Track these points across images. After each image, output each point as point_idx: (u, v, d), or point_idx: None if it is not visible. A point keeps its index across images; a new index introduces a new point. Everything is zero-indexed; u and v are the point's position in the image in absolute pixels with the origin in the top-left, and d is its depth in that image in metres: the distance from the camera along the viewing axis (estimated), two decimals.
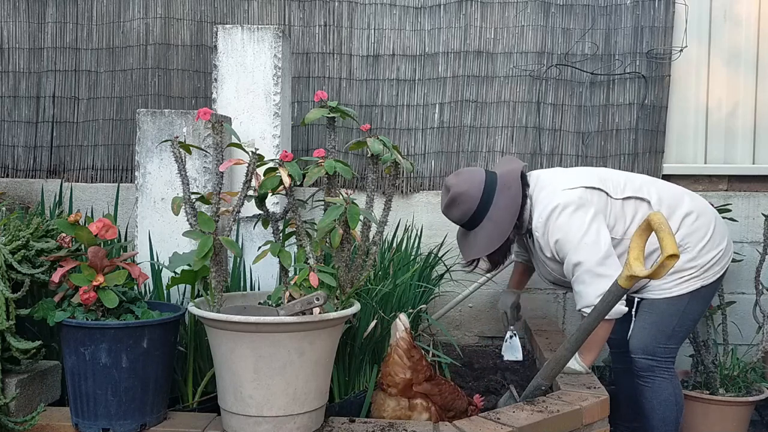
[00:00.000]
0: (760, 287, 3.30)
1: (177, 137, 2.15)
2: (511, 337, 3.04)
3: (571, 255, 2.55)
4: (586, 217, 2.55)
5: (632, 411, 2.84)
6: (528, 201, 2.68)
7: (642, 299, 2.64)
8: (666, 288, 2.59)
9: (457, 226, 2.81)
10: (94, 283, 2.07)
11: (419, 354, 2.30)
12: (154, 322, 2.08)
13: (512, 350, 3.05)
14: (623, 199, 2.62)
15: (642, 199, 2.62)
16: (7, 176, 3.75)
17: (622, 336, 2.69)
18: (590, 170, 2.79)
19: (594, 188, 2.62)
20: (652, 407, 2.65)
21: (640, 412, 2.70)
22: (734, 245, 3.47)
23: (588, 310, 2.49)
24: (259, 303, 2.25)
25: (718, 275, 2.66)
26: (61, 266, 2.13)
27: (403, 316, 2.31)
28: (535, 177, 2.74)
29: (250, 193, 2.09)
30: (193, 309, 2.04)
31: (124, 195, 3.44)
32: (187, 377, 2.35)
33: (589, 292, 2.50)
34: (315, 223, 2.12)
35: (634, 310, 2.65)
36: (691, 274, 2.59)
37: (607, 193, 2.63)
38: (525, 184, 2.69)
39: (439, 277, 3.18)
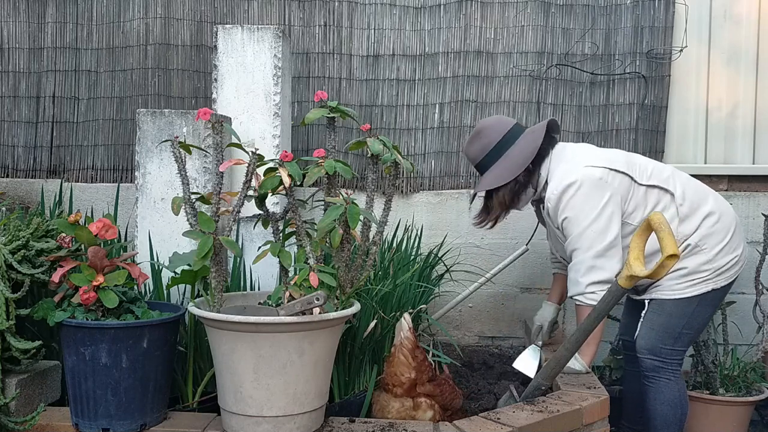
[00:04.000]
0: (760, 287, 3.30)
1: (177, 137, 2.15)
2: (535, 349, 2.83)
3: (575, 239, 2.55)
4: (600, 202, 2.53)
5: (639, 413, 2.84)
6: (547, 161, 2.65)
7: (651, 300, 2.63)
8: (678, 289, 2.58)
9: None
10: (94, 283, 2.07)
11: (423, 354, 2.32)
12: (154, 322, 2.08)
13: (528, 363, 2.79)
14: (648, 186, 2.60)
15: (666, 190, 2.60)
16: (7, 176, 3.75)
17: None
18: (620, 153, 2.72)
19: (618, 171, 2.58)
20: (655, 408, 2.65)
21: (644, 412, 2.70)
22: None
23: (580, 298, 2.54)
24: (259, 303, 2.25)
25: (730, 280, 2.64)
26: (61, 266, 2.13)
27: (407, 316, 2.33)
28: (562, 147, 2.70)
29: (250, 193, 2.09)
30: (193, 309, 2.04)
31: (124, 195, 3.44)
32: (187, 377, 2.35)
33: (582, 281, 2.54)
34: (315, 223, 2.12)
35: (644, 311, 2.64)
36: (704, 276, 2.57)
37: (632, 178, 2.59)
38: (550, 142, 2.67)
39: (439, 277, 3.18)
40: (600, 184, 2.54)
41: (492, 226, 2.84)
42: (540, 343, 2.90)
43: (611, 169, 2.57)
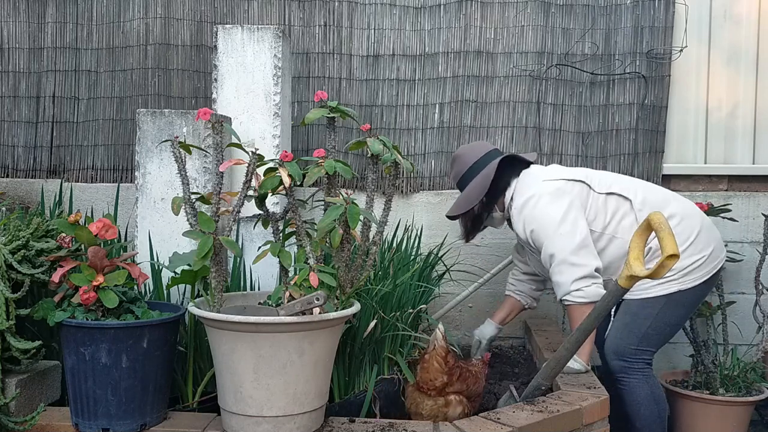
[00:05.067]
0: (760, 287, 3.30)
1: (177, 137, 2.15)
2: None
3: (547, 245, 2.60)
4: (561, 207, 2.60)
5: (614, 412, 2.83)
6: (514, 183, 2.75)
7: (622, 300, 2.64)
8: (643, 288, 2.60)
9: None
10: (94, 283, 2.07)
11: (453, 359, 2.46)
12: (154, 322, 2.08)
13: None
14: (607, 194, 2.67)
15: (625, 197, 2.66)
16: (7, 176, 3.75)
17: None
18: (581, 168, 2.84)
19: (576, 180, 2.68)
20: (632, 410, 2.65)
21: (623, 414, 2.68)
22: (734, 245, 3.49)
23: (568, 297, 2.57)
24: (259, 303, 2.25)
25: (698, 282, 2.63)
26: (61, 266, 2.13)
27: (441, 327, 2.50)
28: (531, 169, 2.80)
29: (250, 193, 2.09)
30: (193, 309, 2.04)
31: (124, 195, 3.44)
32: (187, 377, 2.36)
33: (565, 280, 2.57)
34: (315, 223, 2.12)
35: (613, 311, 2.66)
36: (668, 277, 2.57)
37: (589, 186, 2.67)
38: (512, 172, 2.77)
39: (439, 277, 3.18)
40: (558, 193, 2.63)
41: (466, 242, 2.98)
42: (478, 357, 2.94)
43: (568, 180, 2.68)
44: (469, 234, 2.93)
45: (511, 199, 2.74)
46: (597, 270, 2.58)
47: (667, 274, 2.55)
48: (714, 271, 2.68)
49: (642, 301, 2.62)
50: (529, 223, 2.65)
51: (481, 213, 2.84)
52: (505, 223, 2.91)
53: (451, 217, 2.92)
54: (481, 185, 2.75)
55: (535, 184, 2.68)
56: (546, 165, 3.60)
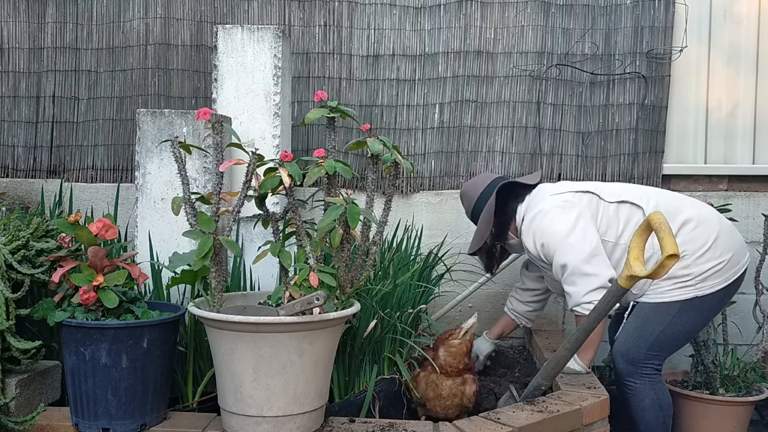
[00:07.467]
0: (760, 287, 3.30)
1: (177, 137, 2.15)
2: None
3: (558, 256, 2.57)
4: (570, 218, 2.57)
5: (621, 413, 2.83)
6: (519, 213, 2.75)
7: (636, 302, 2.62)
8: (658, 292, 2.56)
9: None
10: (94, 283, 2.07)
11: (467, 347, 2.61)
12: (154, 322, 2.08)
13: None
14: (618, 202, 2.62)
15: (637, 205, 2.61)
16: (7, 176, 3.75)
17: None
18: (591, 182, 2.82)
19: (584, 191, 2.65)
20: (636, 414, 2.62)
21: (628, 417, 2.67)
22: None
23: (578, 309, 2.53)
24: (259, 303, 2.25)
25: (717, 288, 2.57)
26: (61, 266, 2.13)
27: (475, 316, 2.64)
28: (538, 188, 2.79)
29: (250, 193, 2.09)
30: (193, 309, 2.04)
31: (124, 195, 3.44)
32: (187, 377, 2.36)
33: (577, 291, 2.52)
34: (315, 223, 2.12)
35: (627, 312, 2.64)
36: (684, 282, 2.54)
37: (599, 196, 2.64)
38: (515, 198, 2.77)
39: (439, 277, 3.18)
40: (566, 205, 2.62)
41: (491, 274, 3.07)
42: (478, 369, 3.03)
43: (576, 191, 2.66)
44: (490, 267, 2.98)
45: (522, 219, 2.73)
46: (611, 280, 2.50)
47: (684, 280, 2.53)
48: (734, 278, 2.61)
49: (656, 306, 2.56)
50: (539, 237, 2.62)
51: (493, 245, 2.87)
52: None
53: (472, 254, 2.94)
54: (486, 219, 2.78)
55: (543, 200, 2.66)
56: (545, 166, 3.65)
